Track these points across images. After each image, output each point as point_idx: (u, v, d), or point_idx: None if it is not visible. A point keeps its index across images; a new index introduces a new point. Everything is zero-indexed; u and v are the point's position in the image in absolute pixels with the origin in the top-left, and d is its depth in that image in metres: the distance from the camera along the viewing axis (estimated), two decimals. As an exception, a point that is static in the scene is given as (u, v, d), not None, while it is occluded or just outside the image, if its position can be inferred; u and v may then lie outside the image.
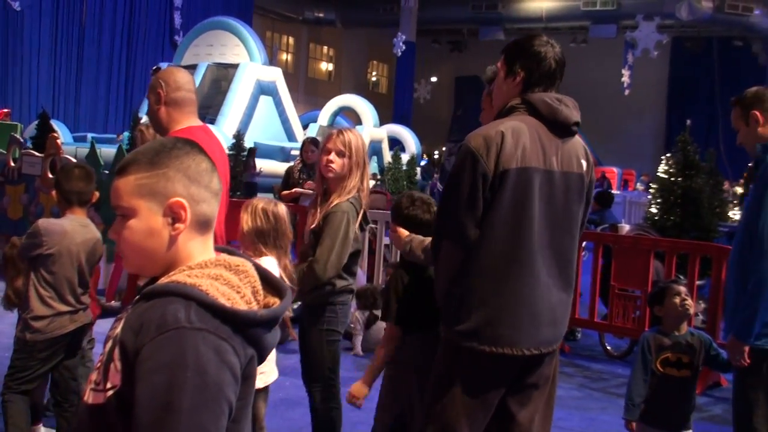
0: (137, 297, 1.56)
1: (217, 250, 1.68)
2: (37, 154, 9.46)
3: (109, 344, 1.54)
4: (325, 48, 40.99)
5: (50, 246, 4.07)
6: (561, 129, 2.95)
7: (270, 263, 3.71)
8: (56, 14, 25.64)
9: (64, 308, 4.14)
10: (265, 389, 4.00)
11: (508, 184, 2.80)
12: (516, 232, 2.83)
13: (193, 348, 1.40)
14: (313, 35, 39.12)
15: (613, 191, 18.07)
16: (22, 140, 10.04)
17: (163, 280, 1.55)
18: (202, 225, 1.61)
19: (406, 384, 3.58)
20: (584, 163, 3.01)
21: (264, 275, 1.66)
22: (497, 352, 2.84)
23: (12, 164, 9.37)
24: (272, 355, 3.89)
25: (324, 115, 24.95)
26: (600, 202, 11.14)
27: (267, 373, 3.89)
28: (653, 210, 10.87)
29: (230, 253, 1.68)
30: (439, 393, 2.97)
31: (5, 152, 9.64)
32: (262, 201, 3.92)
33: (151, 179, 1.57)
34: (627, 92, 30.93)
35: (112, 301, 7.65)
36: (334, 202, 3.88)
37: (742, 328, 3.39)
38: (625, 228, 8.39)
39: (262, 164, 18.61)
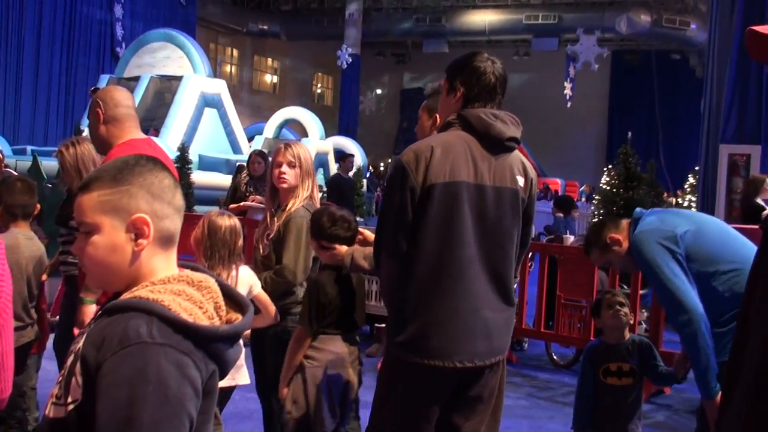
0: (100, 312, 1.57)
1: (181, 266, 1.70)
2: (-25, 168, 9.26)
3: (71, 358, 1.55)
4: (270, 60, 40.85)
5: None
6: (494, 144, 2.97)
7: (245, 273, 3.83)
8: (-7, 25, 25.15)
9: (15, 324, 4.07)
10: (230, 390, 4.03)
11: (435, 198, 2.85)
12: (446, 245, 2.87)
13: (155, 363, 1.42)
14: (258, 47, 38.96)
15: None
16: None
17: (126, 296, 1.57)
18: (165, 241, 1.63)
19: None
20: (520, 179, 3.03)
21: (227, 291, 1.68)
22: (431, 364, 2.86)
23: (-51, 178, 9.15)
24: (242, 359, 3.96)
25: (269, 128, 24.85)
26: (563, 208, 11.28)
27: (239, 377, 3.94)
28: (596, 221, 11.04)
29: (194, 269, 1.70)
30: (380, 404, 3.01)
31: (-58, 166, 9.42)
32: (212, 213, 3.97)
33: (114, 196, 1.59)
34: (569, 104, 31.40)
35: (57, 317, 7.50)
36: (291, 209, 4.00)
37: (704, 390, 3.28)
38: (570, 239, 8.51)
39: (208, 177, 18.46)
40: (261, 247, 4.11)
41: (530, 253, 7.92)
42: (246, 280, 3.85)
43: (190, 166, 18.15)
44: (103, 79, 23.62)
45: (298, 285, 4.00)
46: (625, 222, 3.73)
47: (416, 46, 35.91)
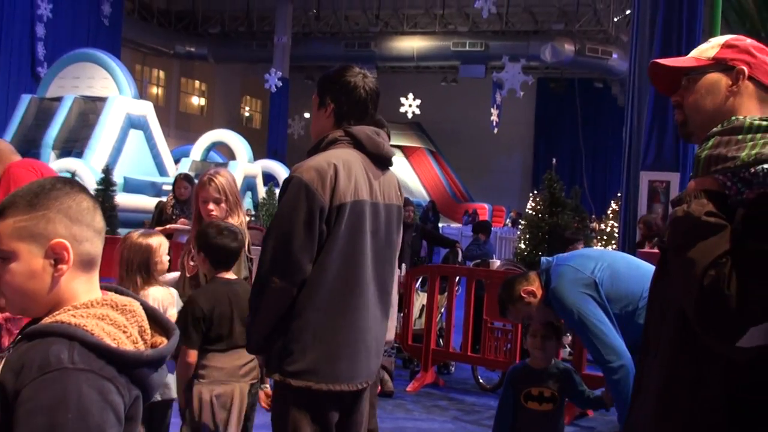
0: (19, 337, 1.54)
1: (105, 289, 1.66)
2: None
3: None
4: (197, 82, 40.50)
5: None
6: (382, 162, 3.04)
7: (157, 292, 3.78)
8: None
9: None
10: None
11: (344, 217, 2.83)
12: (350, 264, 2.86)
13: (76, 389, 1.38)
14: (185, 70, 38.59)
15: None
16: None
17: (47, 320, 1.53)
18: (86, 264, 1.60)
19: None
20: (400, 194, 3.15)
21: (152, 314, 1.65)
22: (335, 389, 2.84)
23: None
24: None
25: (197, 150, 24.61)
26: (485, 233, 11.40)
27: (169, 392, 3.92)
28: (522, 246, 11.20)
29: (118, 291, 1.66)
30: None
31: None
32: (132, 232, 3.97)
33: (30, 221, 1.55)
34: (496, 131, 31.87)
35: None
36: None
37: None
38: (496, 263, 8.60)
39: (133, 199, 18.19)
40: (187, 268, 4.08)
41: (457, 277, 7.97)
42: (159, 300, 3.78)
43: (114, 188, 17.86)
44: (25, 99, 23.11)
45: None
46: (533, 274, 3.80)
47: (345, 71, 36.04)
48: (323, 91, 3.04)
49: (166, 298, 3.84)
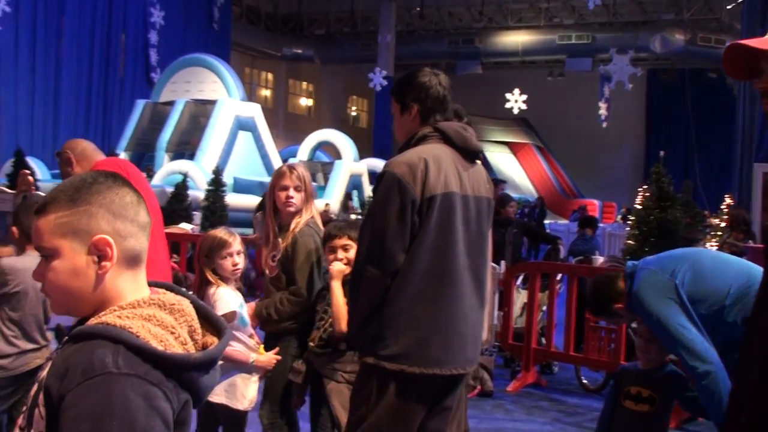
0: (65, 339, 1.48)
1: (155, 285, 1.60)
2: (8, 190, 9.39)
3: (35, 388, 1.47)
4: (304, 83, 41.12)
5: (16, 284, 4.02)
6: (470, 156, 3.14)
7: (228, 295, 3.72)
8: (33, 53, 25.59)
9: (29, 346, 4.09)
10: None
11: (434, 208, 2.93)
12: (442, 254, 2.96)
13: (121, 394, 1.32)
14: (292, 71, 39.23)
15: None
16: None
17: (92, 321, 1.47)
18: (130, 261, 1.53)
19: None
20: (489, 187, 3.22)
21: (203, 313, 1.58)
22: (428, 373, 2.93)
23: (-17, 202, 9.29)
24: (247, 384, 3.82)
25: (303, 150, 24.98)
26: (592, 228, 11.11)
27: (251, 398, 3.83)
28: (630, 242, 10.90)
29: (168, 288, 1.60)
30: (361, 418, 3.00)
31: (-24, 190, 9.57)
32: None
33: (72, 217, 1.49)
34: (605, 125, 31.15)
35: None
36: (296, 229, 3.99)
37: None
38: (599, 260, 8.38)
39: (242, 199, 18.59)
40: (268, 269, 4.10)
41: (558, 275, 7.81)
42: (225, 301, 3.73)
43: (224, 188, 18.29)
44: (139, 104, 23.93)
45: (311, 303, 3.98)
46: (621, 283, 3.68)
47: (450, 68, 35.95)
48: (404, 97, 3.18)
49: (232, 300, 3.78)
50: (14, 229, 4.24)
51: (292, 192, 4.03)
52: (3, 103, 24.74)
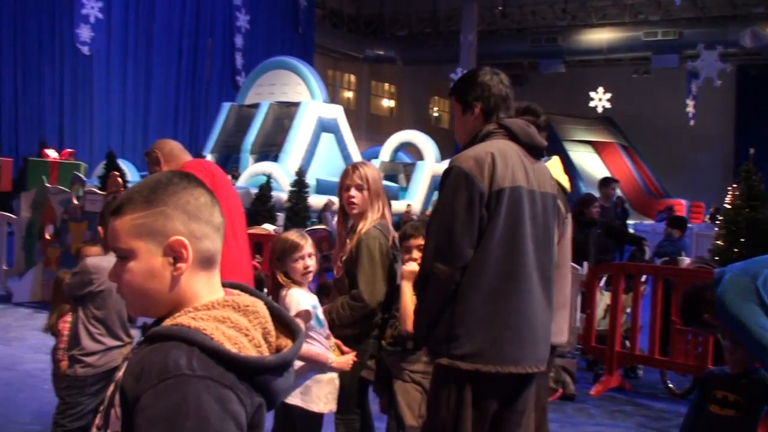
0: (141, 339, 1.50)
1: (229, 286, 1.60)
2: (99, 192, 9.70)
3: (111, 388, 1.48)
4: (387, 85, 41.29)
5: (101, 283, 4.13)
6: (535, 152, 3.09)
7: (300, 295, 3.67)
8: (125, 57, 26.38)
9: (114, 343, 4.21)
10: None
11: (503, 202, 2.89)
12: (512, 250, 2.91)
13: (195, 397, 1.32)
14: (374, 72, 39.45)
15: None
16: (84, 179, 10.30)
17: (167, 322, 1.47)
18: (205, 262, 1.53)
19: None
20: (554, 184, 3.17)
21: (278, 315, 1.57)
22: (503, 371, 2.88)
23: (75, 202, 9.62)
24: (333, 386, 3.82)
25: (385, 151, 25.09)
26: (680, 228, 10.80)
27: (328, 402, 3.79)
28: (719, 243, 10.60)
29: (243, 289, 1.60)
30: (439, 419, 2.96)
31: (69, 191, 9.90)
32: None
33: (148, 218, 1.49)
34: (692, 122, 30.39)
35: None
36: (363, 231, 3.88)
37: None
38: (686, 261, 8.18)
39: (324, 200, 18.79)
40: (335, 269, 4.06)
41: (643, 276, 7.65)
42: (297, 302, 3.67)
43: (307, 189, 18.52)
44: (225, 107, 24.41)
45: (376, 307, 3.86)
46: (710, 293, 3.60)
47: (532, 67, 35.61)
48: (465, 97, 3.14)
49: (304, 299, 3.71)
50: (100, 228, 4.37)
51: (353, 191, 3.92)
52: (96, 108, 25.56)
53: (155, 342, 1.43)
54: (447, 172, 2.97)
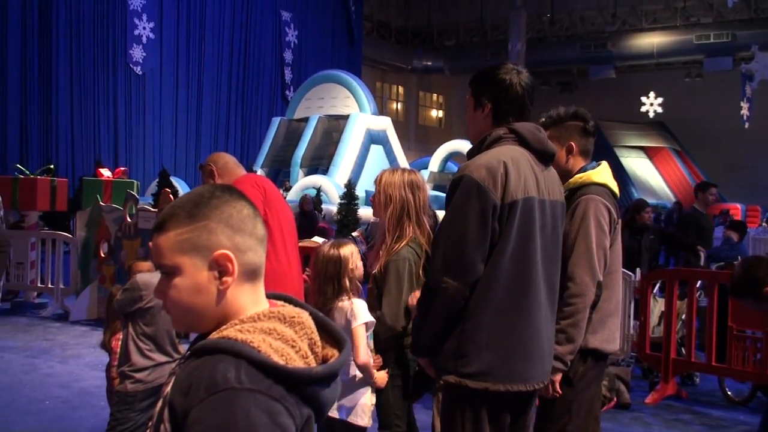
0: (187, 353, 1.49)
1: (273, 297, 1.59)
2: (152, 209, 9.84)
3: (159, 404, 1.48)
4: (435, 95, 41.29)
5: (150, 299, 4.18)
6: (545, 159, 2.95)
7: (364, 306, 3.72)
8: (176, 76, 26.78)
9: (163, 359, 4.25)
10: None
11: (515, 214, 2.76)
12: (523, 264, 2.78)
13: (244, 411, 1.31)
14: (423, 83, 39.49)
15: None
16: (137, 197, 10.46)
17: (214, 335, 1.46)
18: (250, 275, 1.52)
19: None
20: (562, 191, 3.05)
21: (323, 324, 1.56)
22: (513, 390, 2.78)
23: (128, 220, 9.76)
24: (371, 399, 3.82)
25: (435, 162, 25.06)
26: (739, 232, 10.51)
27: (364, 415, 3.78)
28: (744, 268, 10.26)
29: (287, 300, 1.59)
30: None
31: (122, 208, 10.06)
32: (324, 244, 3.94)
33: (192, 233, 1.48)
34: (747, 125, 29.81)
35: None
36: (394, 249, 3.83)
37: None
38: (743, 266, 7.99)
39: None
40: (370, 277, 4.03)
41: (698, 281, 7.51)
42: (347, 311, 3.71)
43: (356, 201, 18.57)
44: (275, 122, 24.65)
45: (400, 330, 3.78)
46: None
47: (582, 74, 35.31)
48: (479, 92, 2.99)
49: (355, 311, 3.74)
50: (151, 244, 4.45)
51: (372, 197, 3.97)
52: (149, 126, 25.99)
53: (202, 356, 1.42)
54: (457, 181, 2.82)
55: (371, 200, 4.00)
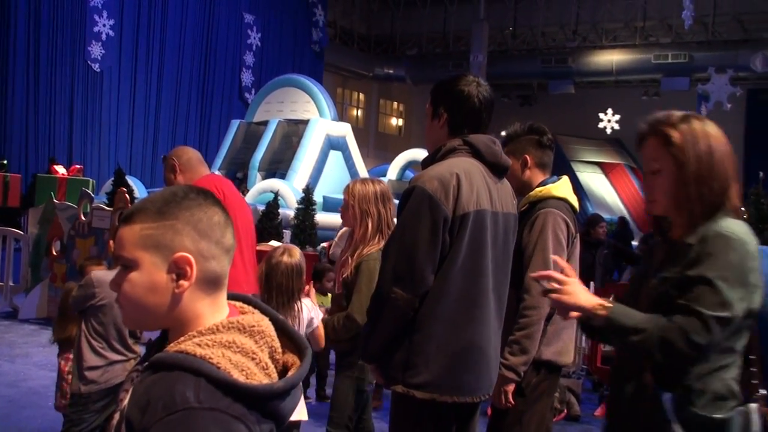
0: (145, 364, 1.45)
1: (234, 298, 1.56)
2: (106, 208, 9.71)
3: (117, 417, 1.45)
4: (395, 104, 41.38)
5: (103, 297, 4.14)
6: (499, 171, 2.97)
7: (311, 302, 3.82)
8: (135, 74, 26.49)
9: (115, 357, 4.21)
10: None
11: (467, 227, 2.76)
12: (473, 276, 2.79)
13: (203, 430, 1.29)
14: (384, 91, 39.55)
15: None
16: (92, 195, 10.33)
17: (172, 348, 1.43)
18: (210, 283, 1.48)
19: None
20: (515, 203, 3.08)
21: (282, 328, 1.54)
22: (459, 401, 2.80)
23: (82, 218, 9.63)
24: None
25: (393, 170, 25.09)
26: None
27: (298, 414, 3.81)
28: None
29: (248, 301, 1.56)
30: None
31: (76, 206, 9.92)
32: (275, 249, 3.98)
33: (157, 230, 1.45)
34: (702, 145, 30.29)
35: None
36: (364, 253, 3.90)
37: None
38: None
39: (332, 218, 18.81)
40: (337, 285, 4.10)
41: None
42: (306, 312, 3.83)
43: (314, 207, 18.53)
44: (234, 124, 24.51)
45: None
46: None
47: (542, 88, 35.65)
48: (436, 101, 3.01)
49: (311, 310, 3.87)
50: (111, 242, 4.40)
51: (343, 208, 4.02)
52: (105, 124, 25.66)
53: (160, 370, 1.38)
54: (409, 191, 2.81)
55: (340, 210, 4.04)
